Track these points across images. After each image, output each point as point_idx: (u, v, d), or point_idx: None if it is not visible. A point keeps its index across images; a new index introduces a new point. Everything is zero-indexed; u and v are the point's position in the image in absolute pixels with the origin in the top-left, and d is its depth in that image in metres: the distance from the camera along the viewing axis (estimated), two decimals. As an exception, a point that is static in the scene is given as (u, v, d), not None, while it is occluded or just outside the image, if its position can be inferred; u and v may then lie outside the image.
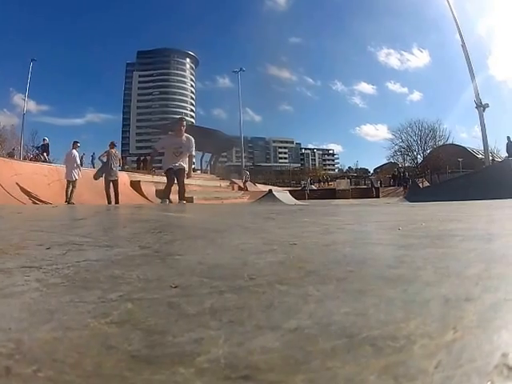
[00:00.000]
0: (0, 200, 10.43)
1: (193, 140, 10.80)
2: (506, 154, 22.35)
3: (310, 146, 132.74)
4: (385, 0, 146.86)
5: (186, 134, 10.81)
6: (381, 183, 43.69)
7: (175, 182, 10.84)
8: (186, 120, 11.33)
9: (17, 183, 12.48)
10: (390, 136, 69.10)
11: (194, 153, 11.03)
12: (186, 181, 10.83)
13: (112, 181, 13.88)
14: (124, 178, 19.19)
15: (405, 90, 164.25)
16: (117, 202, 13.77)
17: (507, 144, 21.80)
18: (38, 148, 24.17)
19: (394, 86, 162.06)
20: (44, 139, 26.94)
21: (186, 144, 10.70)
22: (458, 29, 25.26)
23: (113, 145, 14.46)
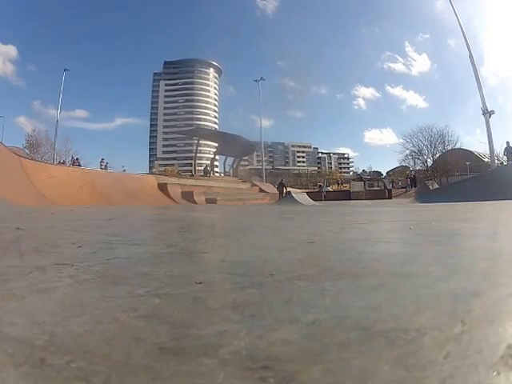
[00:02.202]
0: (35, 201, 10.59)
1: None
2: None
3: (324, 151, 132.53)
4: (389, 6, 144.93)
5: None
6: (393, 185, 43.31)
7: None
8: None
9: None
10: (399, 140, 68.66)
11: None
12: (210, 182, 10.19)
13: None
14: (152, 180, 19.36)
15: (409, 94, 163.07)
16: None
17: (505, 148, 21.64)
18: None
19: (400, 92, 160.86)
20: None
21: None
22: (466, 41, 25.00)
23: None
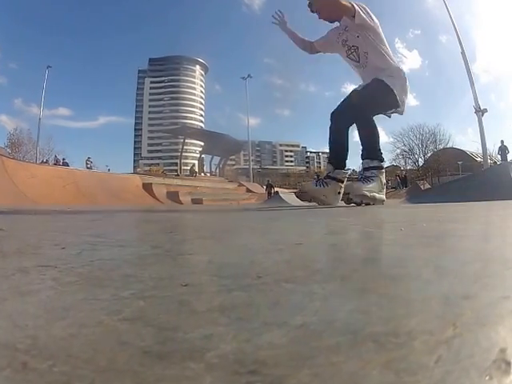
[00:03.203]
0: (17, 201, 10.50)
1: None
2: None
3: (313, 150, 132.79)
4: (380, 0, 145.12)
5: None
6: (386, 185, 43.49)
7: None
8: None
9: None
10: (389, 139, 69.21)
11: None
12: (196, 182, 9.77)
13: None
14: (136, 180, 19.31)
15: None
16: None
17: (499, 147, 21.95)
18: None
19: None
20: None
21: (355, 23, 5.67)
22: (458, 37, 25.13)
23: None
